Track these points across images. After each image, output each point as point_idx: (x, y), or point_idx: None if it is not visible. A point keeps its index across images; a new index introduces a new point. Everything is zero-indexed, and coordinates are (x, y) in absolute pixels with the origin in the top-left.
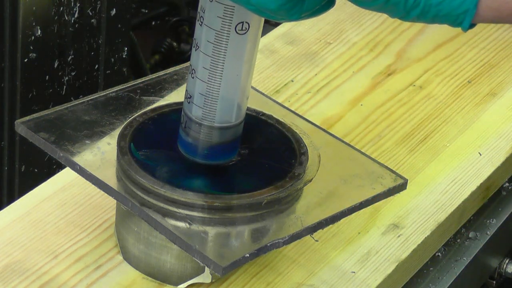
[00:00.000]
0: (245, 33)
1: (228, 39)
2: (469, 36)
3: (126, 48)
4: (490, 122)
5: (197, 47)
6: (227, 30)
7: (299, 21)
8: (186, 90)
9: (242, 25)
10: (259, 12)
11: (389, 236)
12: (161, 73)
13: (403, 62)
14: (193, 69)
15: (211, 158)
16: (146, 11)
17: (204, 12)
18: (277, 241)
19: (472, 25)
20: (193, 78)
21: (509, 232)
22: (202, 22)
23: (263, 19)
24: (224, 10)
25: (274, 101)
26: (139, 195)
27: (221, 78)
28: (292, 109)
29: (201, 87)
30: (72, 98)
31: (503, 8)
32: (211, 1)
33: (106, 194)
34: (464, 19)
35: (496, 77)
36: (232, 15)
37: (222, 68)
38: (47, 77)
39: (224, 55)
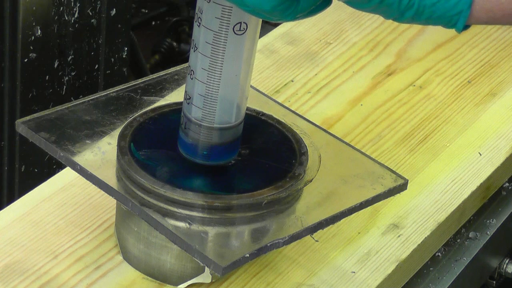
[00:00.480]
0: (243, 33)
1: (226, 40)
2: (469, 36)
3: (126, 48)
4: (490, 122)
5: (195, 48)
6: (225, 31)
7: (296, 20)
8: (185, 91)
9: (240, 25)
10: (254, 13)
11: (389, 236)
12: (162, 73)
13: (403, 62)
14: (191, 70)
15: (211, 159)
16: (146, 11)
17: (201, 13)
18: (277, 241)
19: (466, 27)
20: (192, 79)
21: (509, 232)
22: (200, 23)
23: (261, 19)
24: (222, 10)
25: (274, 101)
26: (139, 195)
27: (220, 79)
28: (292, 109)
29: (200, 88)
30: (72, 98)
31: (496, 9)
32: (209, 2)
33: (106, 194)
34: (458, 20)
35: (496, 77)
36: (230, 15)
37: (221, 69)
38: (47, 77)
39: (223, 55)
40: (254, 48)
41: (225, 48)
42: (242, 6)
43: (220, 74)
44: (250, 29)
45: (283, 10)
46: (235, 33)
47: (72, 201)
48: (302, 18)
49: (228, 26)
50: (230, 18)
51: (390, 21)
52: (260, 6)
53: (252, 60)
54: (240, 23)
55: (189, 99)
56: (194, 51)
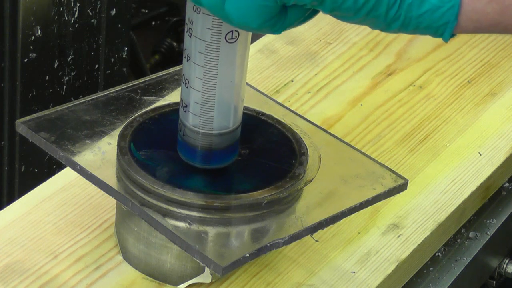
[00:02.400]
0: (235, 41)
1: (218, 49)
2: (469, 36)
3: (126, 48)
4: (490, 122)
5: (188, 58)
6: (217, 40)
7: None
8: (181, 99)
9: (232, 33)
10: (243, 28)
11: (389, 236)
12: (162, 73)
13: (403, 62)
14: (186, 79)
15: (211, 163)
16: (146, 11)
17: (192, 24)
18: (277, 241)
19: (452, 35)
20: (187, 88)
21: (509, 232)
22: (191, 34)
23: None
24: (213, 21)
25: (274, 101)
26: (139, 195)
27: (215, 86)
28: (292, 109)
29: (196, 96)
30: (72, 98)
31: (483, 19)
32: (199, 14)
33: (106, 194)
34: (445, 31)
35: (496, 77)
36: (221, 25)
37: (216, 77)
38: (47, 77)
39: (216, 64)
40: (247, 52)
41: (218, 56)
42: (230, 23)
43: (215, 82)
44: (242, 36)
45: (271, 26)
46: (227, 41)
47: (72, 201)
48: (293, 28)
49: (220, 36)
50: (221, 28)
51: None
52: (247, 24)
53: (245, 64)
54: (232, 31)
55: (186, 107)
56: (187, 60)
